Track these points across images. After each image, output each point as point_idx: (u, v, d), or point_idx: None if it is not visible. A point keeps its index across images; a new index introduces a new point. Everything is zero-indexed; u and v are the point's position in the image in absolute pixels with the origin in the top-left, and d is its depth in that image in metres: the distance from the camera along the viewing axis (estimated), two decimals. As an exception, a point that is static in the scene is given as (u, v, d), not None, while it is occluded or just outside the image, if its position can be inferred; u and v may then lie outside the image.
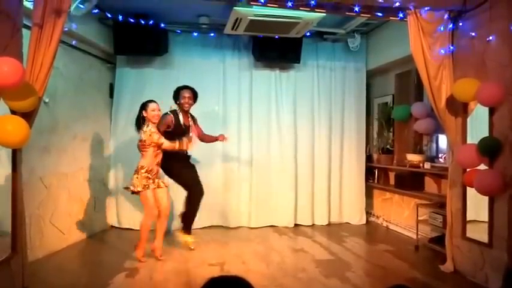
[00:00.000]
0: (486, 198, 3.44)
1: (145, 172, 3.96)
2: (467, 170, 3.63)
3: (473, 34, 3.61)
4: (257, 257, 4.22)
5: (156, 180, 4.05)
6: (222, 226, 5.49)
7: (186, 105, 4.38)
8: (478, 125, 3.73)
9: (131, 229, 5.30)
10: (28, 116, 3.06)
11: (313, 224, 5.70)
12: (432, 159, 4.83)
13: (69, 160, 4.57)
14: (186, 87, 4.43)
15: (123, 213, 5.43)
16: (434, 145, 4.94)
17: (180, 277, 3.63)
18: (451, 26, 3.77)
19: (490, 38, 3.42)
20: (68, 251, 4.35)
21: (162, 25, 4.90)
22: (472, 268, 3.57)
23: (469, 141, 3.72)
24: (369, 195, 6.04)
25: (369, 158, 6.01)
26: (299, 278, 3.63)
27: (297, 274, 3.72)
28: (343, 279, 3.58)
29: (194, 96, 4.45)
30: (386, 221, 5.76)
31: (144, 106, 4.08)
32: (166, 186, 4.15)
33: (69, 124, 4.55)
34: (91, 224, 5.02)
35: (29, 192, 3.70)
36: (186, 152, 4.39)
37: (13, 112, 3.01)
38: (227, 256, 4.23)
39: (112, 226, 5.44)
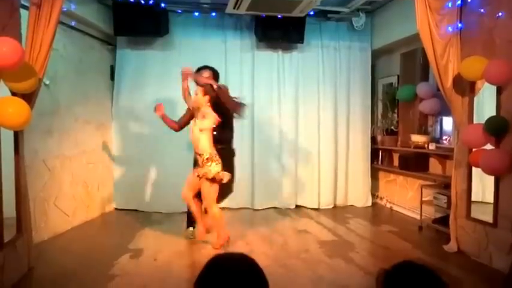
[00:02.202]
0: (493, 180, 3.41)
1: None
2: (473, 150, 3.59)
3: (481, 10, 3.51)
4: (260, 238, 4.23)
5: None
6: (225, 208, 5.49)
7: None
8: (484, 105, 3.68)
9: (136, 210, 5.34)
10: (28, 97, 3.04)
11: (318, 207, 5.69)
12: (437, 140, 4.79)
13: (72, 143, 4.56)
14: (204, 67, 4.10)
15: (126, 196, 5.44)
16: (439, 126, 4.88)
17: (184, 258, 3.66)
18: (459, 2, 3.66)
19: (499, 14, 3.33)
20: (73, 233, 4.37)
21: (163, 5, 4.83)
22: (476, 248, 3.57)
23: (475, 121, 3.66)
24: (373, 176, 6.02)
25: (373, 140, 5.96)
26: (303, 258, 3.65)
27: (301, 254, 3.73)
28: (347, 259, 3.59)
29: (215, 76, 4.08)
30: (390, 202, 5.75)
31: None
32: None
33: (71, 106, 4.52)
34: (95, 206, 5.04)
35: (33, 175, 3.71)
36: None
37: (13, 94, 2.98)
38: (231, 237, 4.24)
39: (116, 208, 5.46)
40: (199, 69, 4.08)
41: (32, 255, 3.27)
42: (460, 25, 3.68)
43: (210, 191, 3.67)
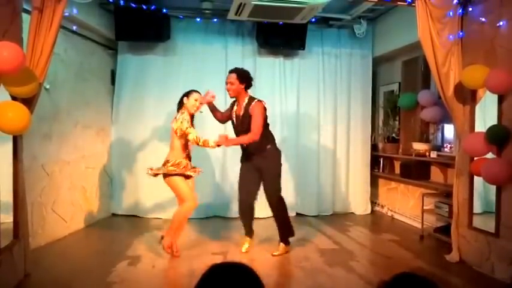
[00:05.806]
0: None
1: (171, 166, 3.69)
2: (475, 158, 3.56)
3: (483, 19, 3.51)
4: (260, 246, 4.19)
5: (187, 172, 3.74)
6: (224, 217, 5.46)
7: (228, 91, 3.84)
8: (486, 113, 3.67)
9: (134, 216, 5.30)
10: (29, 102, 3.03)
11: (318, 214, 5.65)
12: (439, 148, 4.76)
13: (71, 148, 4.54)
14: (230, 71, 3.88)
15: (125, 201, 5.41)
16: (440, 134, 4.86)
17: (183, 265, 3.61)
18: (460, 11, 3.66)
19: (501, 23, 3.32)
20: (70, 239, 4.34)
21: (164, 10, 4.83)
22: (478, 258, 3.53)
23: (476, 130, 3.64)
24: (373, 184, 5.99)
25: (374, 147, 5.94)
26: (302, 266, 3.61)
27: (301, 263, 3.69)
28: (347, 268, 3.55)
29: (239, 77, 3.75)
30: (391, 210, 5.71)
31: (187, 94, 3.77)
32: (194, 173, 3.81)
33: (71, 111, 4.51)
34: (93, 211, 5.00)
35: (31, 180, 3.69)
36: (245, 146, 3.92)
37: (14, 98, 2.96)
38: (230, 245, 4.21)
39: (114, 214, 5.42)
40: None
41: (29, 261, 3.23)
42: (461, 34, 3.67)
43: None
